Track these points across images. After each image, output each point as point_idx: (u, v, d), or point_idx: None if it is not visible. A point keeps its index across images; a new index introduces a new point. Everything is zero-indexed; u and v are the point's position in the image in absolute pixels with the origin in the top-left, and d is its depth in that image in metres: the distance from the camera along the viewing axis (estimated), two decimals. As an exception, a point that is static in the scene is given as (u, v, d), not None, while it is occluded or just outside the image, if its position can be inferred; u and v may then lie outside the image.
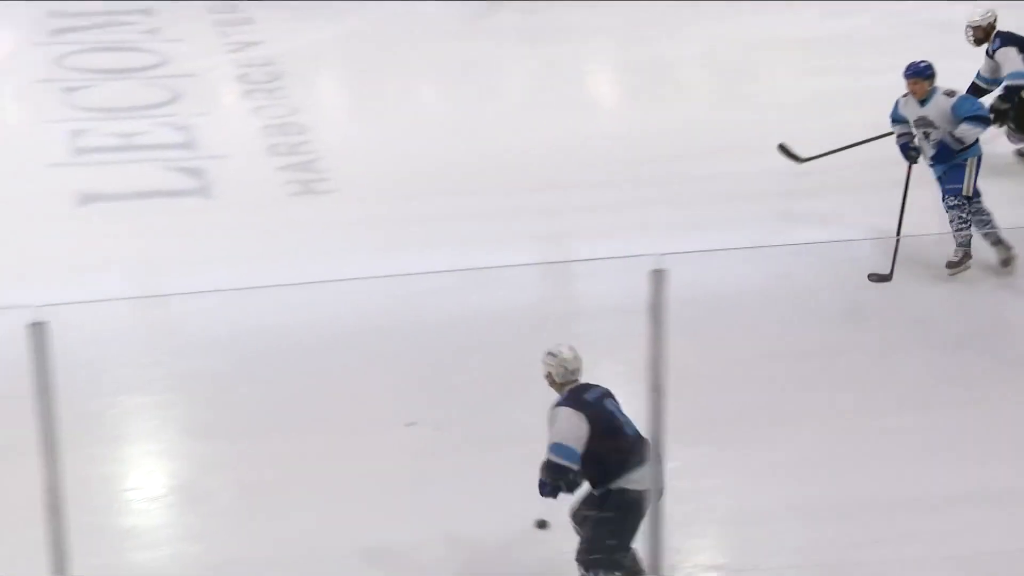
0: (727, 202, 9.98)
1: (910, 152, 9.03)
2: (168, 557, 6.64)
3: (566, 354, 6.16)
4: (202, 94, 12.07)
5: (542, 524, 6.49)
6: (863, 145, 9.76)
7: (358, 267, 9.05)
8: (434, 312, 8.68)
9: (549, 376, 6.17)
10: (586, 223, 9.90)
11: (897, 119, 9.12)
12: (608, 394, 6.18)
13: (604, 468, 6.00)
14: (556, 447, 6.00)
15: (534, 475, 7.07)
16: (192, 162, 10.81)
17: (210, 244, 9.49)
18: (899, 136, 9.11)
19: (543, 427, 7.54)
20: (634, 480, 5.97)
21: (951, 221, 8.99)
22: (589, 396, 6.11)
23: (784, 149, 10.32)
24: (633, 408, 6.94)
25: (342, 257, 9.33)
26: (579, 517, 6.18)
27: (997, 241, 9.07)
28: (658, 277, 5.69)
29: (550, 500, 6.09)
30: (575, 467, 5.97)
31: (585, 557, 6.08)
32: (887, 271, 8.90)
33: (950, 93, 8.95)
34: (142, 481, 7.28)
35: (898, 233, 8.95)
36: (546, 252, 9.75)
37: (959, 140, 8.86)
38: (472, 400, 7.77)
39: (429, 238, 9.61)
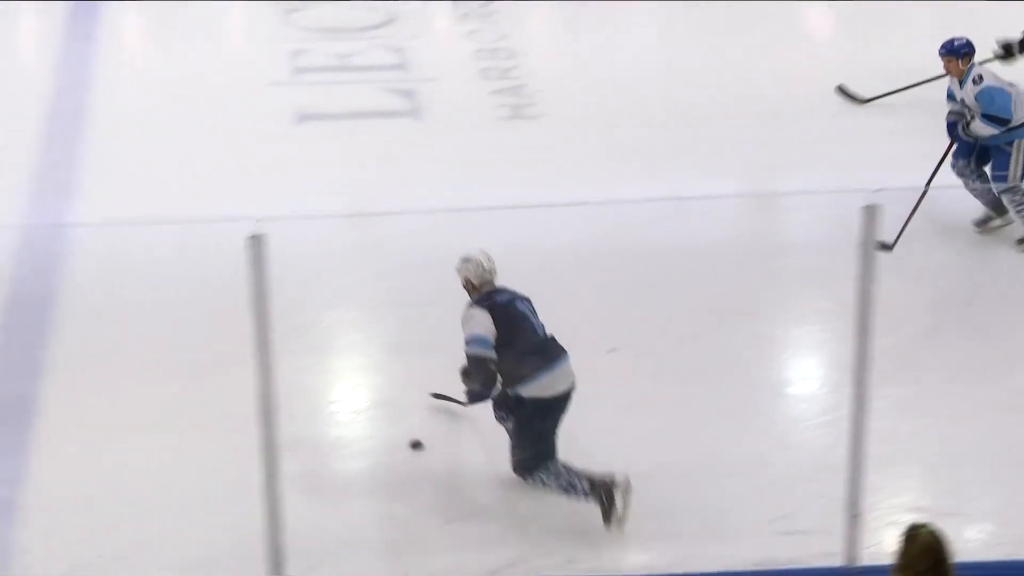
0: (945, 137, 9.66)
1: (954, 132, 8.51)
2: (369, 468, 6.80)
3: (480, 258, 6.41)
4: (417, 16, 12.20)
5: (416, 445, 6.70)
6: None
7: (563, 194, 9.06)
8: (639, 240, 8.66)
9: (467, 282, 6.42)
10: (796, 156, 9.72)
11: (951, 96, 8.65)
12: (522, 298, 6.42)
13: (515, 368, 6.24)
14: (470, 340, 6.25)
15: (729, 408, 7.10)
16: (405, 84, 10.97)
17: (419, 166, 9.63)
18: (949, 113, 8.60)
19: (744, 361, 7.55)
20: (545, 384, 6.27)
21: (1007, 205, 8.52)
22: (500, 298, 6.35)
23: (843, 90, 10.15)
24: (837, 347, 6.85)
25: (548, 183, 9.36)
26: (498, 417, 6.45)
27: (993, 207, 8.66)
28: (870, 213, 5.58)
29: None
30: (492, 355, 6.19)
31: (519, 466, 6.32)
32: (891, 240, 8.29)
33: (978, 79, 8.45)
34: (347, 394, 7.47)
35: (916, 206, 8.40)
36: (754, 184, 9.63)
37: (971, 134, 8.46)
38: (674, 330, 7.76)
39: (636, 167, 9.56)
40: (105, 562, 6.03)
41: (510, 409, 6.37)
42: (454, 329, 7.73)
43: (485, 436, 6.82)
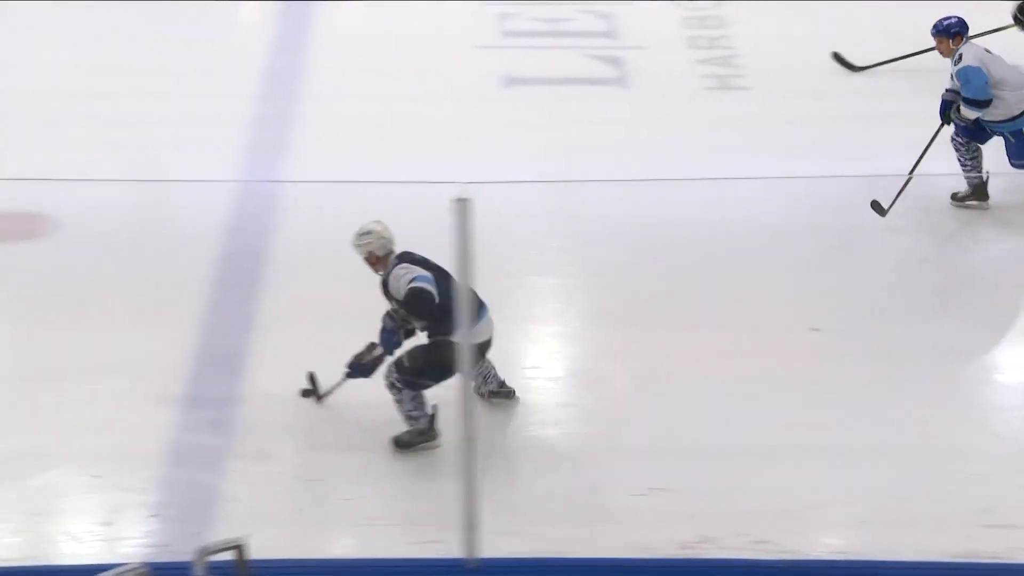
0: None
1: (947, 112, 8.35)
2: (562, 436, 6.81)
3: (378, 228, 6.42)
4: (627, -17, 12.13)
5: (307, 392, 6.72)
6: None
7: (767, 167, 8.94)
8: (841, 216, 8.50)
9: (371, 255, 6.41)
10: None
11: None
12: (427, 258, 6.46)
13: (444, 320, 6.24)
14: (416, 278, 6.28)
15: (933, 392, 6.90)
16: (612, 51, 10.92)
17: (624, 134, 9.58)
18: (947, 91, 8.41)
19: (950, 344, 7.33)
20: (476, 332, 6.32)
21: None
22: (417, 257, 6.42)
23: (838, 57, 10.22)
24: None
25: (751, 156, 9.23)
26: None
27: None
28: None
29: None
30: (435, 292, 6.20)
31: (399, 380, 6.39)
32: (887, 206, 8.25)
33: (957, 59, 8.29)
34: (543, 361, 7.49)
35: (909, 176, 8.28)
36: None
37: (962, 119, 8.30)
38: (877, 310, 7.58)
39: (837, 140, 9.36)
40: (308, 517, 6.17)
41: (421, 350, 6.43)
42: (653, 301, 7.74)
43: (681, 409, 6.80)
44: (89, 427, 6.66)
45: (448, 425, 6.39)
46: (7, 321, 7.60)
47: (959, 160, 8.51)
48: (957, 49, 8.37)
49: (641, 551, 5.90)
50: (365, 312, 7.56)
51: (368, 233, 6.42)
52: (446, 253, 5.49)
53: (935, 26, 8.50)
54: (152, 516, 6.16)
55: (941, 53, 8.51)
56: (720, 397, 6.92)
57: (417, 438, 6.48)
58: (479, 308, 6.46)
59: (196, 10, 11.54)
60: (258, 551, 4.88)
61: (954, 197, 8.62)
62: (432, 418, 6.50)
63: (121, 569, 4.10)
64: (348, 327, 7.43)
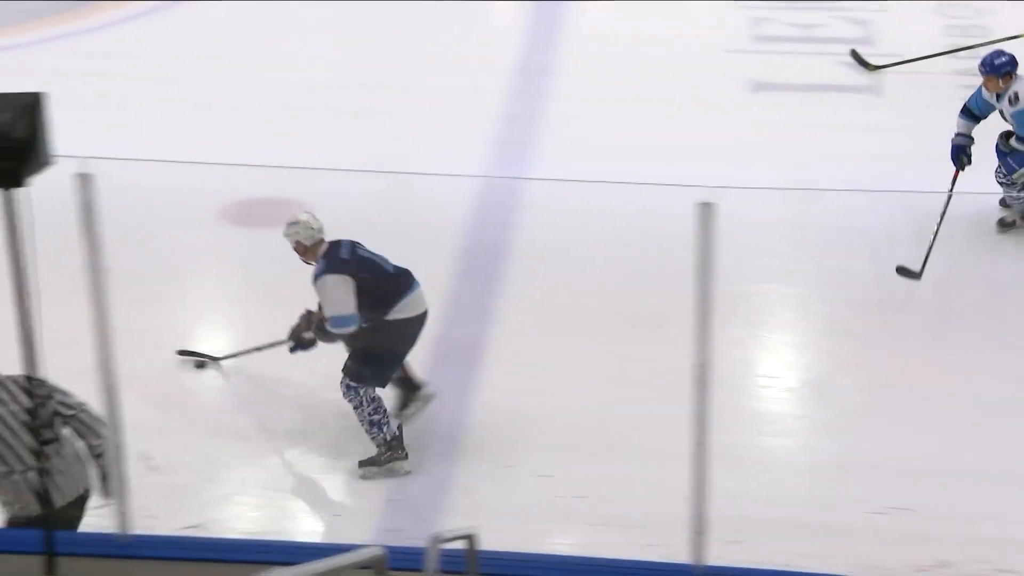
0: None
1: (961, 158, 8.08)
2: (796, 447, 6.73)
3: (305, 218, 6.45)
4: (889, -10, 11.88)
5: (200, 365, 7.09)
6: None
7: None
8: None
9: (298, 245, 6.46)
10: None
11: (975, 111, 8.17)
12: (357, 243, 6.47)
13: (375, 307, 6.36)
14: (334, 320, 6.33)
15: None
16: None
17: (873, 143, 9.40)
18: (957, 135, 8.15)
19: None
20: (405, 307, 6.42)
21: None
22: (344, 254, 6.41)
23: (856, 55, 10.18)
24: None
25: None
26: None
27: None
28: None
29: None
30: (355, 328, 6.31)
31: (350, 374, 6.41)
32: (918, 268, 7.72)
33: (1014, 99, 7.98)
34: (778, 370, 7.39)
35: (935, 234, 7.80)
36: None
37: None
38: None
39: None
40: (538, 512, 6.21)
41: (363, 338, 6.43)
42: (890, 314, 7.55)
43: (919, 427, 6.62)
44: (329, 408, 6.87)
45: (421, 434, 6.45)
46: (258, 303, 7.91)
47: (1005, 190, 8.34)
48: (1009, 87, 8.11)
49: (874, 571, 5.77)
50: (602, 307, 7.65)
51: (296, 223, 6.51)
52: (686, 256, 5.45)
53: (985, 63, 8.23)
54: (387, 500, 6.31)
55: (988, 89, 8.22)
56: (962, 418, 6.72)
57: (383, 455, 6.44)
58: (410, 284, 6.50)
59: (451, 8, 11.79)
60: (488, 543, 4.94)
61: (1001, 223, 8.40)
62: (398, 436, 6.47)
63: (359, 550, 4.21)
64: (582, 322, 7.52)
